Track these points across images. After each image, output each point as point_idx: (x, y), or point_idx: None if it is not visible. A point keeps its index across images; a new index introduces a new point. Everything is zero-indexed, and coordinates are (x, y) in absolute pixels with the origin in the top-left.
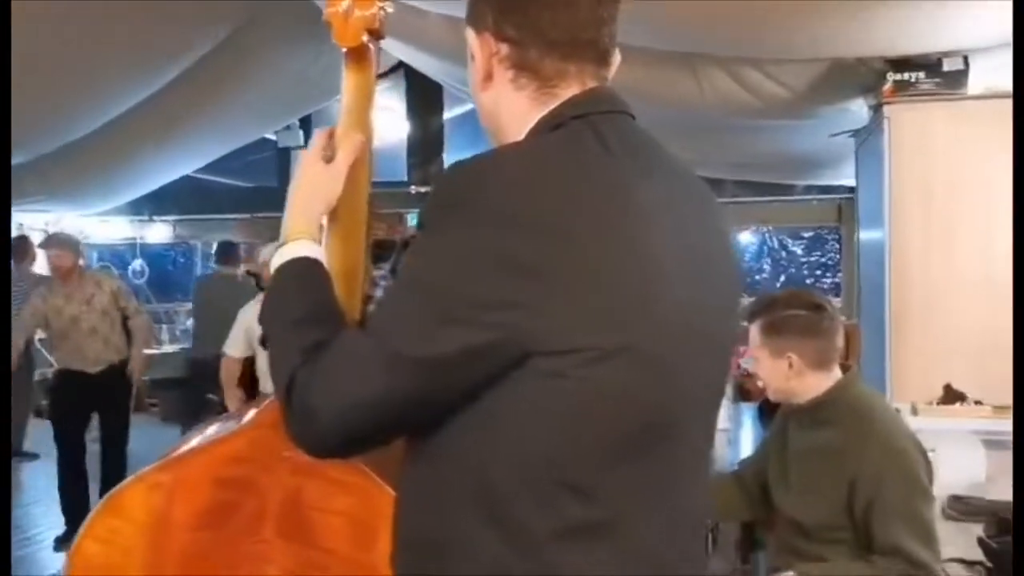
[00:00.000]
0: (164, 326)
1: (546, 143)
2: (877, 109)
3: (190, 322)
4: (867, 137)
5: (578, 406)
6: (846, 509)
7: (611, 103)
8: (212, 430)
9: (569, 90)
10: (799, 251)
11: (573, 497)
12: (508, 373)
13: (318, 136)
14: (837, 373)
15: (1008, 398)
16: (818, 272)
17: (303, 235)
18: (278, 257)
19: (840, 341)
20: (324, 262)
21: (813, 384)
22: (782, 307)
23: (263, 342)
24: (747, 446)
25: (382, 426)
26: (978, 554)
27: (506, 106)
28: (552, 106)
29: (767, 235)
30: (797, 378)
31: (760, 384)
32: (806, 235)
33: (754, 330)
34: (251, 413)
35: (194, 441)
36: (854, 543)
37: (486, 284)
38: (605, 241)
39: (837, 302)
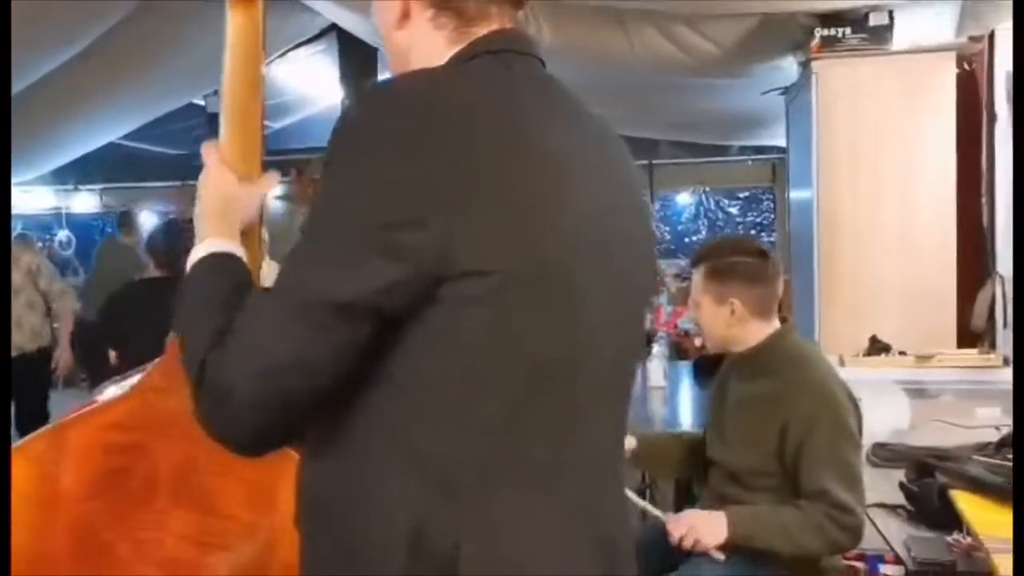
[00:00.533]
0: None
1: (455, 71)
2: (806, 65)
3: None
4: (796, 94)
5: (490, 336)
6: (776, 454)
7: (527, 45)
8: (107, 393)
9: (486, 30)
10: (735, 212)
11: (489, 437)
12: (421, 311)
13: (210, 150)
14: (776, 323)
15: (930, 347)
16: (753, 232)
17: (223, 236)
18: (195, 253)
19: (780, 290)
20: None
21: (753, 332)
22: (727, 253)
23: None
24: (684, 404)
25: (304, 393)
26: (900, 498)
27: (421, 46)
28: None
29: (703, 196)
30: (738, 325)
31: (697, 342)
32: (741, 196)
33: (697, 276)
34: (137, 377)
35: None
36: (779, 490)
37: (394, 209)
38: (511, 166)
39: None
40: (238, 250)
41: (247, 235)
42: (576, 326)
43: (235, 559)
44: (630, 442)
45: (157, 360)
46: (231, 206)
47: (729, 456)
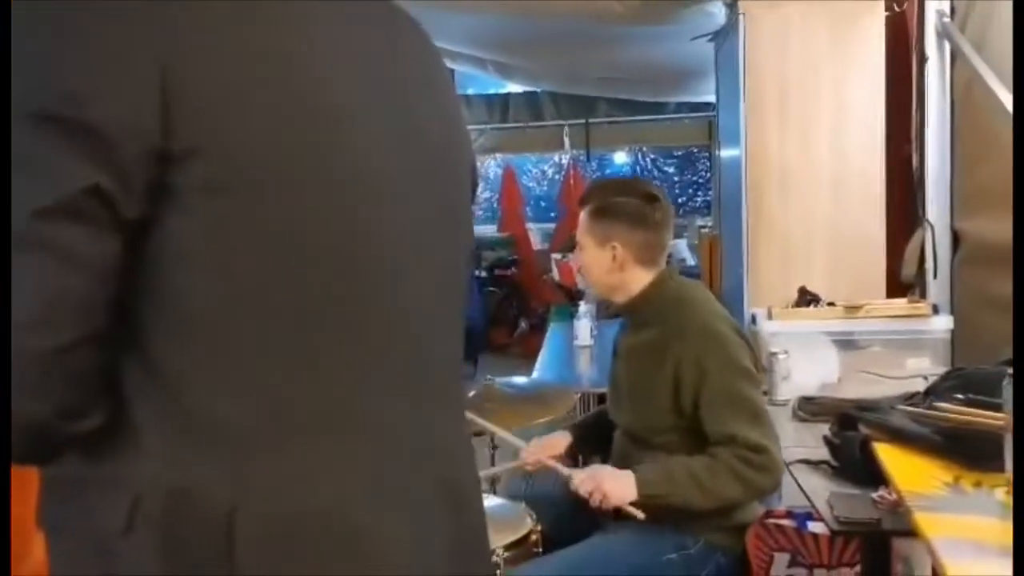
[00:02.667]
0: None
1: None
2: (732, 7)
3: None
4: (725, 40)
5: (251, 241)
6: (673, 408)
7: None
8: None
9: None
10: (671, 170)
11: (270, 372)
12: (162, 216)
13: None
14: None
15: (859, 297)
16: (690, 191)
17: None
18: None
19: (669, 239)
20: None
21: (636, 280)
22: (613, 193)
23: None
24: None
25: (56, 351)
26: (825, 453)
27: None
28: None
29: (640, 155)
30: (619, 272)
31: (578, 280)
32: (678, 154)
33: (582, 216)
34: None
35: None
36: (683, 445)
37: (88, 75)
38: (262, 30)
39: (708, 220)
40: None
41: None
42: (369, 225)
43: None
44: (564, 439)
45: None
46: None
47: (624, 415)
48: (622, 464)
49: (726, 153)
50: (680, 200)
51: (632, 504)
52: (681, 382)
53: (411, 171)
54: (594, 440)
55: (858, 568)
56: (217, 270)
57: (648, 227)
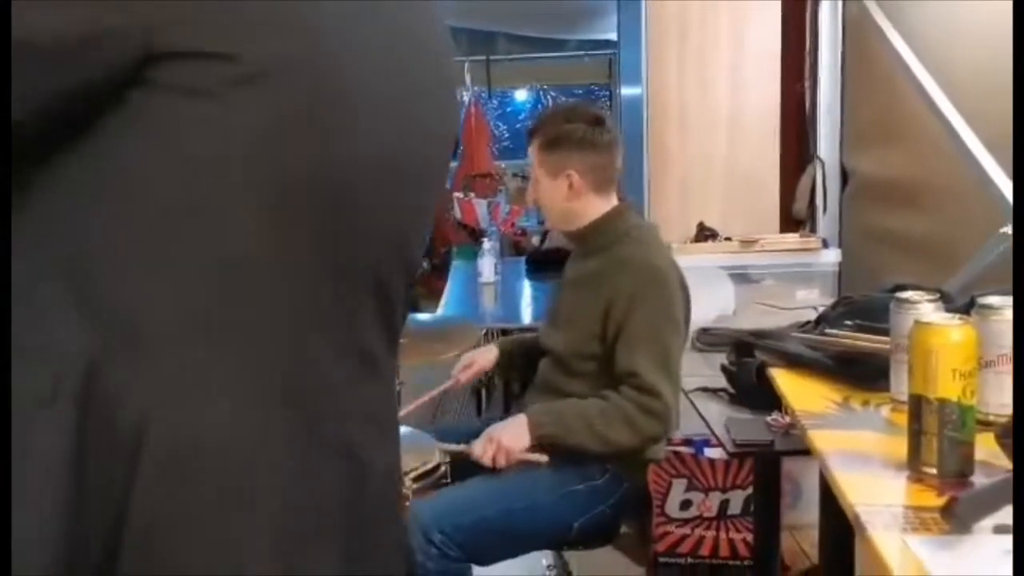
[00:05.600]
0: None
1: None
2: None
3: None
4: None
5: (222, 144)
6: (599, 336)
7: None
8: None
9: None
10: None
11: (203, 289)
12: (125, 93)
13: None
14: (615, 200)
15: (754, 232)
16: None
17: None
18: None
19: (620, 162)
20: None
21: (592, 208)
22: (560, 121)
23: None
24: (515, 300)
25: None
26: (723, 381)
27: None
28: None
29: (541, 94)
30: (576, 199)
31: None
32: (578, 92)
33: (532, 150)
34: None
35: None
36: (599, 374)
37: None
38: None
39: None
40: None
41: None
42: (341, 150)
43: None
44: (491, 353)
45: None
46: None
47: (555, 340)
48: (544, 388)
49: (627, 91)
50: None
51: (531, 449)
52: (611, 311)
53: (406, 124)
54: (520, 361)
55: (751, 490)
56: (166, 165)
57: (598, 150)
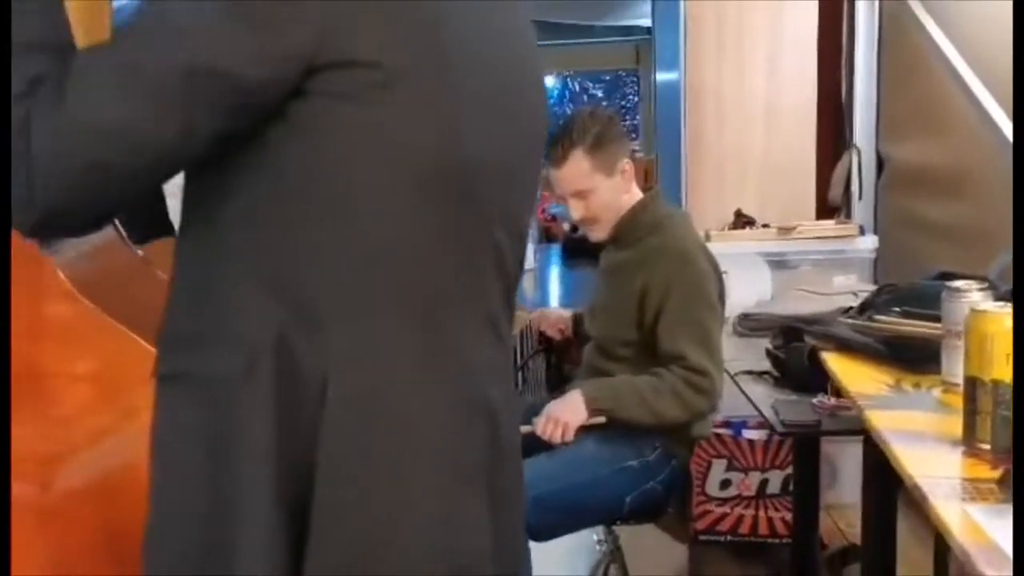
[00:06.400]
0: None
1: None
2: None
3: None
4: None
5: (366, 140)
6: (637, 323)
7: None
8: None
9: None
10: (600, 94)
11: (369, 270)
12: (286, 106)
13: None
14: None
15: (791, 219)
16: (618, 115)
17: None
18: None
19: None
20: None
21: (629, 198)
22: (591, 122)
23: None
24: (554, 286)
25: (123, 173)
26: (766, 365)
27: None
28: None
29: (568, 79)
30: (627, 192)
31: (565, 226)
32: (606, 78)
33: (578, 161)
34: None
35: None
36: (638, 358)
37: None
38: None
39: (637, 144)
40: None
41: None
42: (466, 155)
43: (85, 467)
44: (566, 314)
45: None
46: None
47: (595, 326)
48: (589, 371)
49: (662, 77)
50: None
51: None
52: (647, 299)
53: (508, 110)
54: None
55: (790, 470)
56: (329, 161)
57: (629, 139)
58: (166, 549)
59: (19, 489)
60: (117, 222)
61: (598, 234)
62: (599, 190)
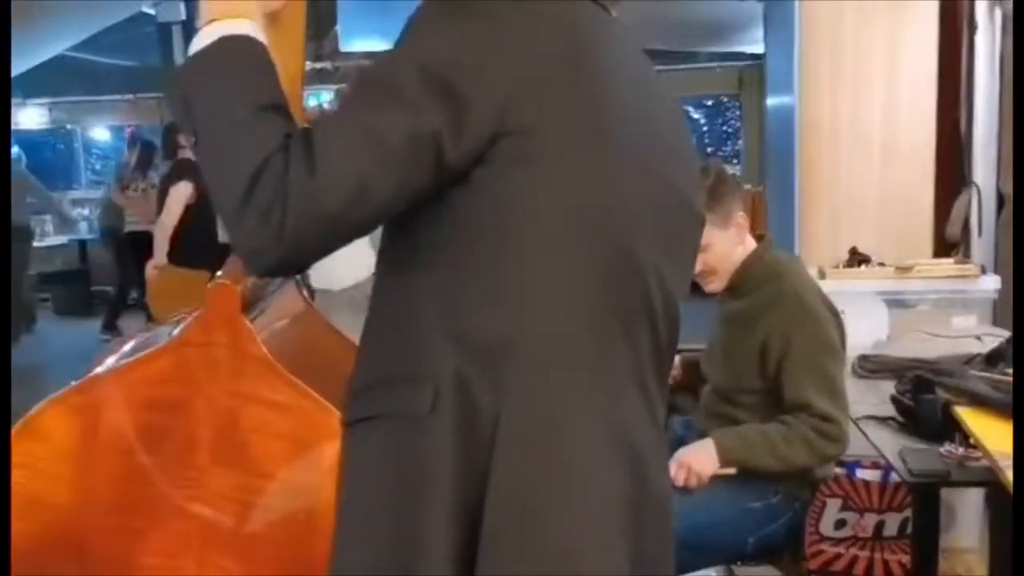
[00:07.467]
0: (48, 216)
1: None
2: None
3: (76, 211)
4: (779, 3)
5: (540, 201)
6: (759, 372)
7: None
8: (146, 343)
9: None
10: (701, 119)
11: (542, 319)
12: (471, 172)
13: None
14: (750, 239)
15: (907, 257)
16: (719, 140)
17: (243, 16)
18: (216, 28)
19: None
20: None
21: (744, 248)
22: (705, 178)
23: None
24: None
25: (355, 221)
26: (889, 410)
27: None
28: None
29: None
30: (743, 243)
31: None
32: (708, 103)
33: None
34: (177, 329)
35: (114, 358)
36: (765, 406)
37: (462, 58)
38: (572, 55)
39: (737, 169)
40: (262, 36)
41: (280, 22)
42: (625, 218)
43: (274, 516)
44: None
45: (196, 313)
46: None
47: (716, 374)
48: (709, 416)
49: (774, 102)
50: (709, 149)
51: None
52: (768, 349)
53: (662, 179)
54: (694, 377)
55: (907, 512)
56: (506, 220)
57: (741, 189)
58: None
59: (218, 519)
60: (305, 291)
61: (715, 286)
62: (715, 244)
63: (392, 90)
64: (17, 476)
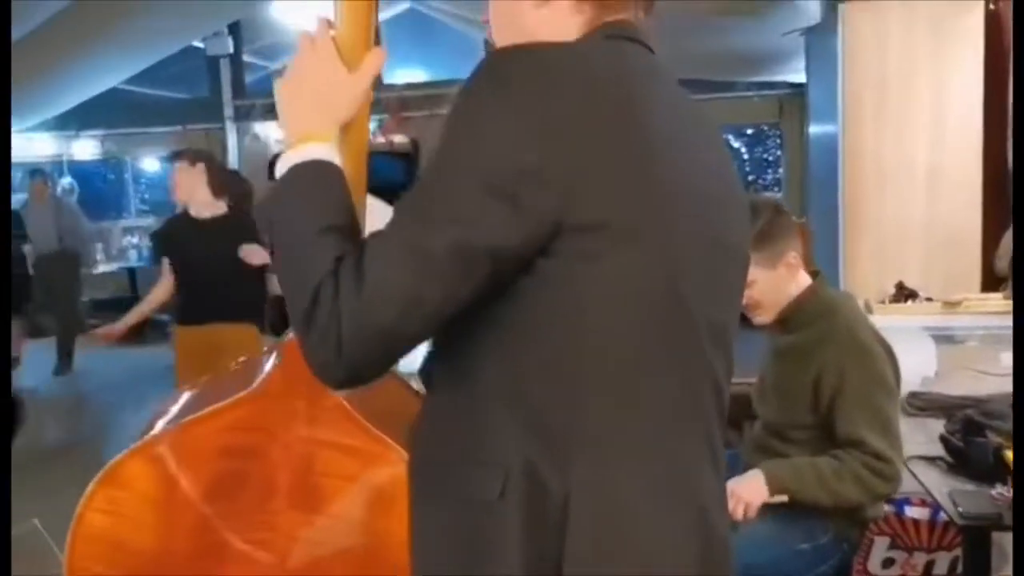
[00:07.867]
0: (99, 245)
1: (595, 46)
2: (832, 7)
3: (125, 240)
4: (821, 35)
5: (604, 293)
6: (811, 407)
7: (638, 34)
8: (212, 392)
9: (619, 17)
10: (741, 148)
11: (599, 396)
12: (535, 264)
13: (322, 29)
14: (804, 275)
15: (954, 291)
16: (760, 169)
17: (319, 139)
18: (292, 156)
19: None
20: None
21: (796, 286)
22: (755, 216)
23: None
24: None
25: (411, 332)
26: (938, 449)
27: (555, 28)
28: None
29: None
30: (793, 280)
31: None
32: (748, 132)
33: None
34: (257, 380)
35: (189, 403)
36: (817, 441)
37: (516, 162)
38: (622, 135)
39: (778, 197)
40: (336, 158)
41: (350, 131)
42: (683, 287)
43: (333, 551)
44: None
45: (277, 362)
46: (335, 97)
47: (767, 409)
48: (758, 450)
49: (816, 130)
50: (750, 178)
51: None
52: (821, 385)
53: (714, 246)
54: (736, 412)
55: (956, 551)
56: (571, 311)
57: (797, 232)
58: None
59: (262, 557)
60: None
61: (762, 319)
62: (759, 282)
63: (446, 203)
64: (102, 521)
